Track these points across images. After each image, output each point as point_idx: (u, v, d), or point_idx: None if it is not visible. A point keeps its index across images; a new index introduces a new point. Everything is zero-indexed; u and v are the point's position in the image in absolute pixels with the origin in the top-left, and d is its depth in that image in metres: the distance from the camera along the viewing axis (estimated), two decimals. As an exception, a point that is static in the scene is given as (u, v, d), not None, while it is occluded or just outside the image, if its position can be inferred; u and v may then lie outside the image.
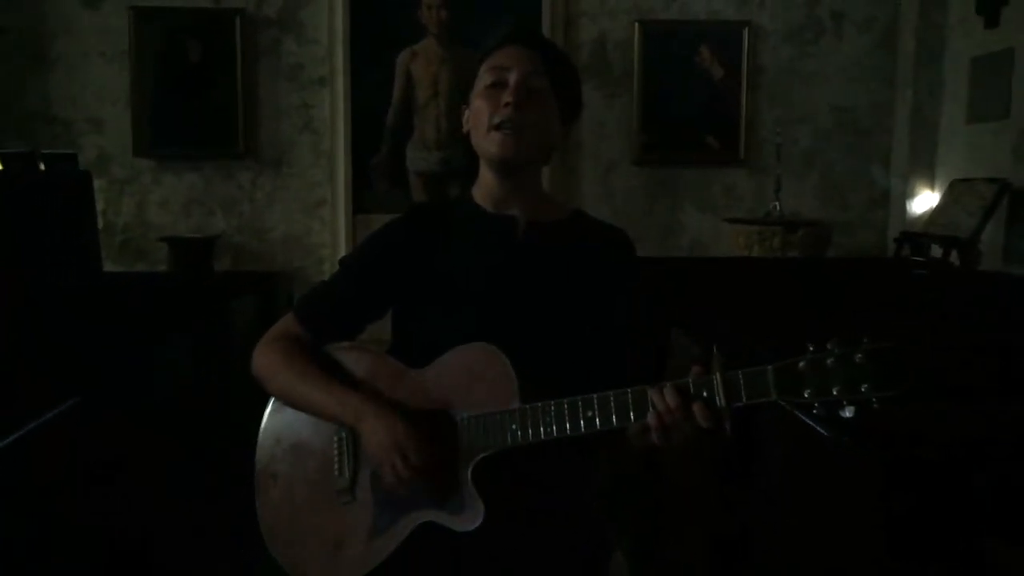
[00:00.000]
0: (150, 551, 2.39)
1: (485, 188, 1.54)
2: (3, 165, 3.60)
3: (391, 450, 1.37)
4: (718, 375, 1.24)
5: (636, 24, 6.32)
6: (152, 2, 6.07)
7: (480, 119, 1.48)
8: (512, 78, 1.47)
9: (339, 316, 1.55)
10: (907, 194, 6.27)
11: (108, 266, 5.54)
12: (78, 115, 6.15)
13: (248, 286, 3.96)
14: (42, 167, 3.56)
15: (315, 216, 6.28)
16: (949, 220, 5.26)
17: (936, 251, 5.26)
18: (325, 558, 1.46)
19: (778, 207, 5.84)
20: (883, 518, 1.62)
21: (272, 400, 1.56)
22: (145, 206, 6.24)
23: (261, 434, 1.55)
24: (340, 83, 6.15)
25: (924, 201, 6.13)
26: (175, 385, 2.79)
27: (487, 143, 1.47)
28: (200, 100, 6.16)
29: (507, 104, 1.45)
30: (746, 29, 6.33)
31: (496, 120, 1.45)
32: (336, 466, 1.47)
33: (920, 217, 6.01)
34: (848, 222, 6.44)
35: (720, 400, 1.23)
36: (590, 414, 1.30)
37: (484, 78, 1.50)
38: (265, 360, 1.53)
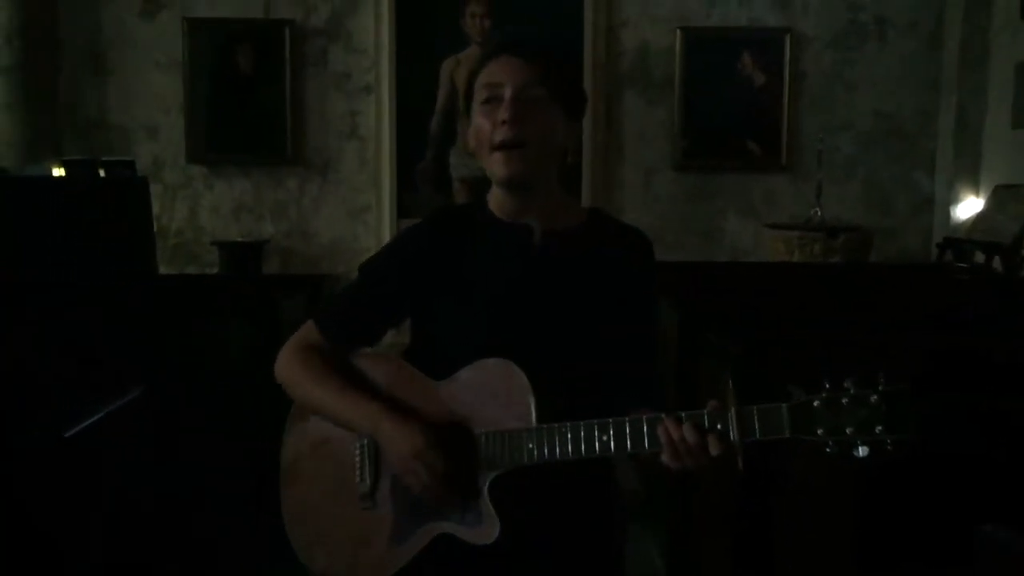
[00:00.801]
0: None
1: (497, 200, 1.52)
2: (65, 171, 3.76)
3: (412, 458, 1.38)
4: (733, 411, 1.25)
5: (678, 31, 6.37)
6: (205, 13, 6.28)
7: (482, 138, 1.45)
8: (506, 93, 1.42)
9: (358, 323, 1.55)
10: (952, 200, 6.24)
11: (161, 269, 5.72)
12: (134, 122, 6.36)
13: (297, 288, 4.09)
14: (102, 173, 3.71)
15: (360, 221, 6.42)
16: (992, 226, 5.24)
17: (979, 257, 5.24)
18: (345, 560, 1.49)
19: (819, 213, 5.85)
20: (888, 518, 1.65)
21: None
22: (197, 211, 6.43)
23: (286, 433, 1.58)
24: (385, 91, 6.28)
25: (969, 207, 6.10)
26: (230, 382, 2.92)
27: (492, 164, 1.44)
28: (250, 108, 6.35)
29: (503, 121, 1.41)
30: (788, 36, 6.35)
31: (496, 139, 1.42)
32: (358, 472, 1.49)
33: (965, 223, 5.98)
34: (892, 228, 6.42)
35: (734, 435, 1.24)
36: (605, 439, 1.31)
37: (480, 94, 1.46)
38: (286, 367, 1.54)
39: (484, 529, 1.36)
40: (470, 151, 1.51)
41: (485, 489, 1.37)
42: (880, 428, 1.16)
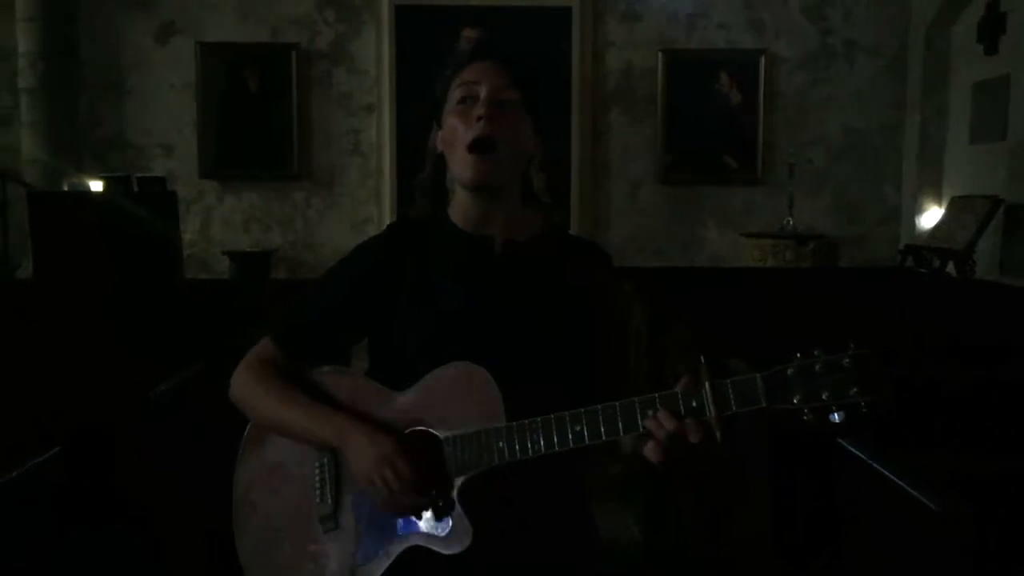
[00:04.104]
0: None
1: (461, 209, 1.49)
2: (103, 186, 4.15)
3: (380, 464, 1.33)
4: (707, 385, 1.21)
5: (660, 53, 6.80)
6: (216, 38, 6.70)
7: (454, 138, 1.44)
8: (483, 92, 1.42)
9: (316, 337, 1.50)
10: (916, 210, 6.67)
11: (177, 277, 6.09)
12: (149, 140, 6.76)
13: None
14: (136, 189, 4.11)
15: (363, 232, 6.79)
16: (948, 233, 5.67)
17: (937, 262, 5.65)
18: None
19: (791, 222, 6.27)
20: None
21: (248, 428, 1.52)
22: (209, 223, 6.83)
23: (238, 463, 1.52)
24: (386, 109, 6.71)
25: (932, 216, 6.52)
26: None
27: (463, 166, 1.43)
28: (259, 126, 6.75)
29: (480, 119, 1.40)
30: (763, 57, 6.79)
31: (470, 137, 1.40)
32: (318, 492, 1.43)
33: (928, 231, 6.40)
34: (860, 236, 6.85)
35: (710, 410, 1.20)
36: (578, 428, 1.27)
37: (454, 94, 1.45)
38: (243, 385, 1.49)
39: (456, 538, 1.32)
40: (438, 152, 1.49)
41: (455, 495, 1.32)
42: (855, 390, 1.15)
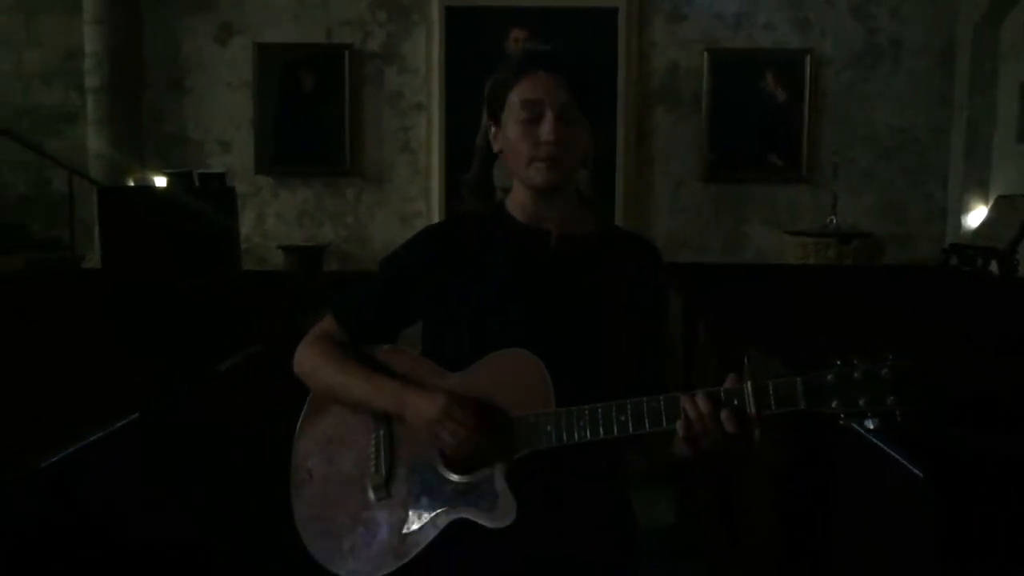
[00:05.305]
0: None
1: (519, 204, 1.56)
2: (167, 181, 4.37)
3: (442, 417, 1.40)
4: (749, 385, 1.27)
5: (705, 52, 6.87)
6: (273, 39, 6.92)
7: (519, 152, 1.48)
8: (548, 114, 1.46)
9: (376, 317, 1.57)
10: (963, 209, 6.66)
11: (234, 269, 6.30)
12: (208, 137, 7.02)
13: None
14: (197, 184, 4.32)
15: (412, 227, 6.95)
16: (994, 233, 5.66)
17: (979, 262, 5.65)
18: (360, 552, 1.49)
19: (834, 221, 6.30)
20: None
21: (308, 400, 1.60)
22: (264, 217, 7.06)
23: (298, 431, 1.60)
24: (435, 108, 6.88)
25: (979, 215, 6.49)
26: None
27: (530, 173, 1.48)
28: (313, 124, 6.97)
29: (547, 142, 1.45)
30: (808, 56, 6.82)
31: (541, 155, 1.46)
32: (373, 463, 1.50)
33: (973, 230, 6.39)
34: (906, 235, 6.85)
35: (751, 408, 1.26)
36: (623, 419, 1.33)
37: (517, 110, 1.48)
38: (306, 356, 1.56)
39: (501, 513, 1.39)
40: (496, 151, 1.55)
41: (503, 473, 1.40)
42: (891, 399, 1.20)
